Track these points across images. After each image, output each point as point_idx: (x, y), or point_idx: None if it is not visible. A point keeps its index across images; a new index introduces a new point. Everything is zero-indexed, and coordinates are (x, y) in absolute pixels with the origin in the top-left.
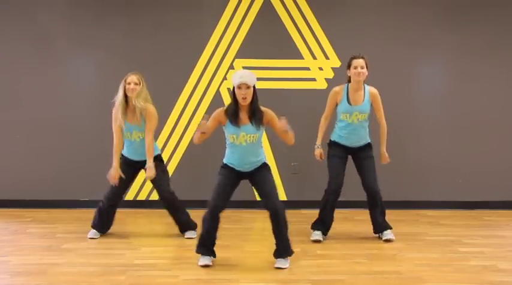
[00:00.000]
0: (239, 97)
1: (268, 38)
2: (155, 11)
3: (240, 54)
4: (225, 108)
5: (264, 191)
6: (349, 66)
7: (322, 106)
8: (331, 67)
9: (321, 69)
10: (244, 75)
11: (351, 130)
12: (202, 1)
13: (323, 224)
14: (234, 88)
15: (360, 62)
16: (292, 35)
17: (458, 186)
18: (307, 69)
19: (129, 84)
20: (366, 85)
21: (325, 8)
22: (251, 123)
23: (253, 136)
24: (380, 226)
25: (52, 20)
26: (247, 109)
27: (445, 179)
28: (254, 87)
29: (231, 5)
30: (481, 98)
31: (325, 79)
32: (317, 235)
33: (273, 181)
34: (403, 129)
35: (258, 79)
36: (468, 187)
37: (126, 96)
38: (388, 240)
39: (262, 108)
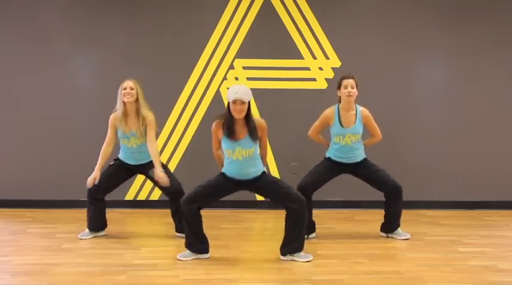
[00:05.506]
0: (233, 112)
1: (268, 38)
2: (155, 11)
3: (240, 54)
4: (219, 120)
5: (278, 191)
6: (339, 86)
7: (322, 106)
8: (331, 67)
9: (321, 69)
10: (240, 91)
11: (345, 151)
12: (202, 1)
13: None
14: (228, 103)
15: (350, 82)
16: (292, 35)
17: (458, 186)
18: (307, 69)
19: (125, 88)
20: (357, 105)
21: (325, 8)
22: (248, 136)
23: (249, 151)
24: (395, 223)
25: (52, 19)
26: (242, 123)
27: (445, 179)
28: (249, 102)
29: (231, 5)
30: (481, 98)
31: (325, 79)
32: None
33: (281, 180)
34: (403, 129)
35: (258, 79)
36: (468, 187)
37: (124, 103)
38: (406, 239)
39: (256, 119)
